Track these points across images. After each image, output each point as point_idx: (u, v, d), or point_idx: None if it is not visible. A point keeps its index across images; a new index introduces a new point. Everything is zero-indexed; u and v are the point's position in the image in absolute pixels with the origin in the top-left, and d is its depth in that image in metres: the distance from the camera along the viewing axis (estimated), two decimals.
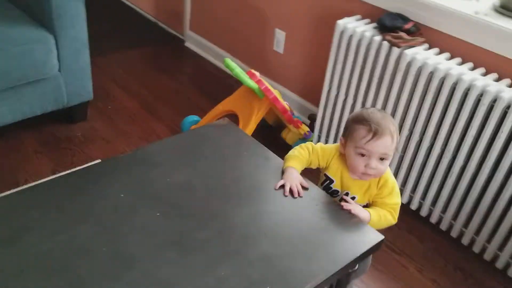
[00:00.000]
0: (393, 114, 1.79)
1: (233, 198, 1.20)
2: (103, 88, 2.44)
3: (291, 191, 1.21)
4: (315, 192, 1.25)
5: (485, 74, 1.62)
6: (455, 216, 1.75)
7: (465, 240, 1.75)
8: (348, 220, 1.17)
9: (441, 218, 1.80)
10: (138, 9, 3.44)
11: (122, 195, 1.13)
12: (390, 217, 1.25)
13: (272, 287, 0.96)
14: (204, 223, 1.10)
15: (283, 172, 1.27)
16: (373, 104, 1.86)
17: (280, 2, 2.36)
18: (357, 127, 1.21)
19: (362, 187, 1.27)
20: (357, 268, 1.17)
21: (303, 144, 1.32)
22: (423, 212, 1.85)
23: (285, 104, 2.01)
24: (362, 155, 1.20)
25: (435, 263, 1.74)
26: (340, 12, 1.99)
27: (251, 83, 1.93)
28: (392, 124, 1.21)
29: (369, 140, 1.18)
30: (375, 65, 1.81)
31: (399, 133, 1.62)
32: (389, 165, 1.26)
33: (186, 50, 3.02)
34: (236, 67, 1.97)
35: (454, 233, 1.78)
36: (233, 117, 1.91)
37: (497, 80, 1.60)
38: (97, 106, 2.30)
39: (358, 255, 1.07)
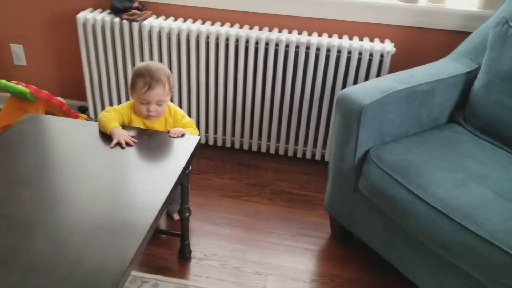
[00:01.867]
0: None
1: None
2: None
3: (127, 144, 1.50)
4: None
5: (194, 22, 2.21)
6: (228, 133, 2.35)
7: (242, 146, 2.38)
8: (180, 139, 1.59)
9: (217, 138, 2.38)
10: None
11: None
12: (194, 131, 1.71)
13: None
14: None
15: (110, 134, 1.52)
16: None
17: (8, 17, 2.46)
18: (137, 81, 1.57)
19: (161, 123, 1.68)
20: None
21: (106, 109, 1.62)
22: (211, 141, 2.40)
23: (59, 99, 2.22)
24: (143, 103, 1.59)
25: (228, 168, 2.33)
26: (73, 10, 2.28)
27: (23, 88, 2.07)
28: (163, 75, 1.58)
29: (146, 91, 1.56)
30: (123, 42, 2.21)
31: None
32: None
33: None
34: (1, 80, 2.06)
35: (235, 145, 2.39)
36: None
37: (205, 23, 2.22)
38: None
39: (194, 146, 1.52)
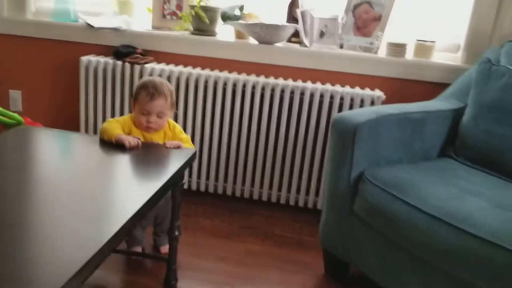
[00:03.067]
0: None
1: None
2: None
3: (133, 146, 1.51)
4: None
5: (193, 68, 2.32)
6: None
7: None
8: (175, 149, 1.58)
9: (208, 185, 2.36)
10: None
11: None
12: (190, 147, 1.71)
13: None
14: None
15: (115, 142, 1.52)
16: None
17: (10, 64, 2.56)
18: (141, 92, 1.63)
19: (160, 136, 1.70)
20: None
21: (108, 120, 1.66)
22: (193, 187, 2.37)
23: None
24: (144, 114, 1.63)
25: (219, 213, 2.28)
26: (77, 56, 2.38)
27: (18, 116, 2.08)
28: (167, 89, 1.66)
29: (148, 102, 1.61)
30: (123, 83, 2.29)
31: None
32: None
33: None
34: None
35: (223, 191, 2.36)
36: None
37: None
38: None
39: (188, 156, 1.51)
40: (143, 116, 1.62)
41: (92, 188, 1.26)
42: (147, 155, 1.53)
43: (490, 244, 1.23)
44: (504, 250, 1.21)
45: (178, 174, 1.46)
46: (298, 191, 2.31)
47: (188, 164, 1.54)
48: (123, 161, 1.48)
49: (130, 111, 2.26)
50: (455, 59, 2.24)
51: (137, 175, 1.42)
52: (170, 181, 1.37)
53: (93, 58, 2.29)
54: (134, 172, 1.44)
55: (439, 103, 1.90)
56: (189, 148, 1.63)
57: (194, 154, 1.58)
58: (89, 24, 2.37)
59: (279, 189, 2.33)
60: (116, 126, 1.58)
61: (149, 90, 1.60)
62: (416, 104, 1.85)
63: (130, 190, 1.29)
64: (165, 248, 1.87)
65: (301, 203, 2.31)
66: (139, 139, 1.58)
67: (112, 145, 1.52)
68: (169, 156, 1.54)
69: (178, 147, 1.59)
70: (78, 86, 2.33)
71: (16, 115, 2.09)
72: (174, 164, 1.47)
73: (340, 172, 1.64)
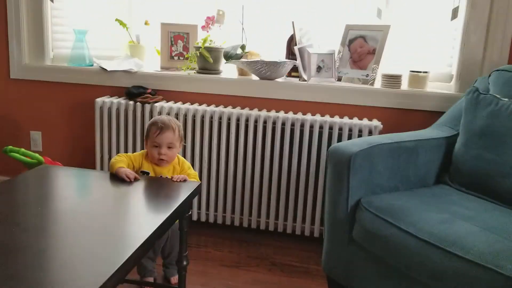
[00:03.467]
0: None
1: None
2: None
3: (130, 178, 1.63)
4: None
5: (200, 105, 2.45)
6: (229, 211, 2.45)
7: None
8: (181, 183, 1.70)
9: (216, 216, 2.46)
10: None
11: None
12: (195, 181, 1.82)
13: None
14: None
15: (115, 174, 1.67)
16: None
17: (30, 107, 2.74)
18: (151, 128, 1.80)
19: (169, 171, 1.83)
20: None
21: (118, 154, 1.79)
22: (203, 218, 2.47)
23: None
24: (156, 146, 1.77)
25: (227, 243, 2.37)
26: (92, 97, 2.55)
27: (39, 156, 2.23)
28: (174, 123, 1.81)
29: (158, 135, 1.76)
30: (135, 122, 2.43)
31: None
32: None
33: None
34: (20, 148, 2.24)
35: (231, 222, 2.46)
36: None
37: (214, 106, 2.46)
38: None
39: (194, 188, 1.62)
40: (155, 149, 1.76)
41: (105, 220, 1.37)
42: (156, 188, 1.64)
43: (478, 266, 1.30)
44: (492, 272, 1.27)
45: (185, 205, 1.57)
46: (303, 220, 2.39)
47: (194, 195, 1.64)
48: (133, 195, 1.59)
49: (141, 148, 2.40)
50: (449, 88, 2.34)
51: (147, 207, 1.52)
52: (177, 212, 1.47)
53: (107, 99, 2.44)
54: (144, 205, 1.54)
55: (432, 131, 1.99)
56: (195, 181, 1.74)
57: (199, 187, 1.69)
58: (103, 68, 2.54)
59: (285, 219, 2.41)
60: (120, 160, 1.71)
61: (158, 125, 1.77)
62: (409, 133, 1.94)
63: (139, 221, 1.40)
64: (175, 279, 1.96)
65: (307, 232, 2.39)
66: (148, 173, 1.70)
67: (124, 180, 1.64)
68: (176, 189, 1.65)
69: (184, 180, 1.70)
70: (94, 125, 2.49)
71: (37, 155, 2.23)
72: (180, 196, 1.58)
73: (338, 201, 1.73)
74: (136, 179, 1.65)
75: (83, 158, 2.70)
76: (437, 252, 1.40)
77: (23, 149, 2.23)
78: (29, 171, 1.73)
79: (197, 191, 1.67)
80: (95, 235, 1.25)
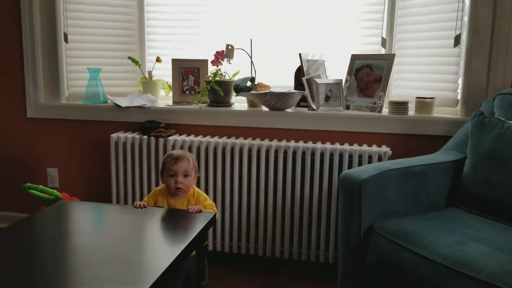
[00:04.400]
0: None
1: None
2: None
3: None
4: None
5: (212, 137, 2.52)
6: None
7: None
8: (197, 214, 1.75)
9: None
10: None
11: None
12: (212, 211, 1.87)
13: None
14: None
15: None
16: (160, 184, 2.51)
17: (47, 144, 2.82)
18: (166, 160, 1.89)
19: (183, 203, 1.88)
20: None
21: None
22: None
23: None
24: (172, 176, 1.85)
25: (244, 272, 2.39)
26: (107, 133, 2.63)
27: (57, 193, 2.30)
28: (188, 154, 1.92)
29: (173, 164, 1.85)
30: (149, 156, 2.50)
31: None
32: None
33: None
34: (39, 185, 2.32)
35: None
36: None
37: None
38: None
39: (209, 218, 1.66)
40: (171, 178, 1.85)
41: (124, 253, 1.42)
42: (172, 220, 1.69)
43: (490, 286, 1.32)
44: None
45: (201, 235, 1.61)
46: (317, 247, 2.41)
47: (209, 226, 1.69)
48: (151, 227, 1.65)
49: (156, 181, 2.46)
50: (455, 112, 2.39)
51: (164, 239, 1.57)
52: (194, 242, 1.52)
53: (121, 135, 2.52)
54: (161, 236, 1.60)
55: (440, 155, 2.03)
56: (210, 211, 1.78)
57: (214, 217, 1.74)
58: (117, 105, 2.63)
59: (300, 247, 2.43)
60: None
61: (174, 156, 1.87)
62: (418, 158, 1.98)
63: (157, 252, 1.45)
64: None
65: (321, 259, 2.41)
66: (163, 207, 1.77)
67: (141, 214, 1.70)
68: (192, 220, 1.70)
69: (200, 211, 1.75)
70: (109, 160, 2.56)
71: (55, 191, 2.30)
72: (196, 227, 1.62)
73: (351, 226, 1.76)
74: (144, 207, 1.76)
75: (100, 193, 2.76)
76: (450, 273, 1.42)
77: (41, 186, 2.29)
78: (47, 207, 1.79)
79: (212, 221, 1.72)
80: (113, 268, 1.30)
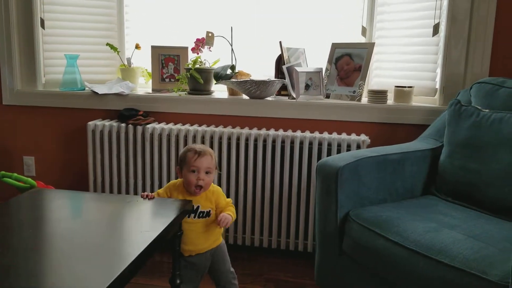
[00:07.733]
0: (159, 175, 2.45)
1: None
2: None
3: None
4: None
5: (191, 125, 2.50)
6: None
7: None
8: (174, 202, 1.73)
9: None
10: None
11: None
12: (234, 211, 1.81)
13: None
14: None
15: None
16: (139, 172, 2.48)
17: (23, 132, 2.77)
18: (187, 154, 1.76)
19: (200, 200, 1.78)
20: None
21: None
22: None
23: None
24: (193, 171, 1.74)
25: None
26: (84, 121, 2.59)
27: (32, 181, 2.26)
28: (210, 150, 1.79)
29: (196, 159, 1.73)
30: (127, 144, 2.47)
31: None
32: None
33: None
34: (13, 173, 2.27)
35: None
36: None
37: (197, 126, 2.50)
38: None
39: (185, 208, 1.65)
40: (193, 174, 1.72)
41: (98, 240, 1.40)
42: (148, 208, 1.67)
43: (464, 272, 1.33)
44: (477, 278, 1.30)
45: (176, 223, 1.60)
46: (296, 236, 2.41)
47: (185, 214, 1.67)
48: (128, 215, 1.62)
49: (134, 170, 2.43)
50: (433, 101, 2.40)
51: (138, 226, 1.54)
52: (168, 229, 1.50)
53: (99, 123, 2.48)
54: (135, 224, 1.57)
55: (417, 144, 2.04)
56: (187, 200, 1.75)
57: (189, 205, 1.72)
58: (94, 92, 2.58)
59: (279, 235, 2.43)
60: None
61: (196, 150, 1.74)
62: (395, 146, 1.99)
63: (131, 239, 1.42)
64: None
65: (300, 248, 2.41)
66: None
67: (117, 201, 1.67)
68: (167, 208, 1.67)
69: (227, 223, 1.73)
70: (87, 149, 2.52)
71: (29, 179, 2.26)
72: (171, 215, 1.60)
73: (327, 214, 1.76)
74: (152, 198, 1.71)
75: (77, 182, 2.73)
76: (423, 260, 1.43)
77: (15, 174, 2.25)
78: (21, 194, 1.75)
79: (188, 210, 1.69)
80: (86, 254, 1.28)
